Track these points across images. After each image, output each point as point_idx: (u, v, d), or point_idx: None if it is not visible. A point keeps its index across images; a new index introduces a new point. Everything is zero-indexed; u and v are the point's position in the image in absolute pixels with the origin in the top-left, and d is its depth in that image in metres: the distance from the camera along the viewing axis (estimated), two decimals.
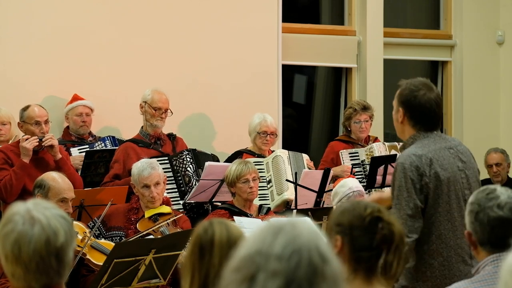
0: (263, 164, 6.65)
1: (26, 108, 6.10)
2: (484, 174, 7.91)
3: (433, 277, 3.98)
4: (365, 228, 2.82)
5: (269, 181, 6.61)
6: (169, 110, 6.58)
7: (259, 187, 6.54)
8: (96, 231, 5.46)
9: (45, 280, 2.28)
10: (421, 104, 4.04)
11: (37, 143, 5.94)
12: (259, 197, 6.54)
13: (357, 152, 7.01)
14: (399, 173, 3.95)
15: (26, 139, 5.94)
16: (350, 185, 5.34)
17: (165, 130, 6.69)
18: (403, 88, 4.14)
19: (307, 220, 1.82)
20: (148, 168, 5.58)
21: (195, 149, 6.59)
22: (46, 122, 6.09)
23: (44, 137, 5.96)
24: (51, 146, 5.97)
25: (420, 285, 4.00)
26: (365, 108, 7.12)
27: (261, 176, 6.53)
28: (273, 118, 7.39)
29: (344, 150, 7.01)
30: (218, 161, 6.82)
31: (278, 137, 6.95)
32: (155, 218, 5.53)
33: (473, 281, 3.12)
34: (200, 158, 6.53)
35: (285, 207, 6.49)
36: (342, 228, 2.87)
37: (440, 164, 3.97)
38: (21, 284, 2.28)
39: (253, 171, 5.84)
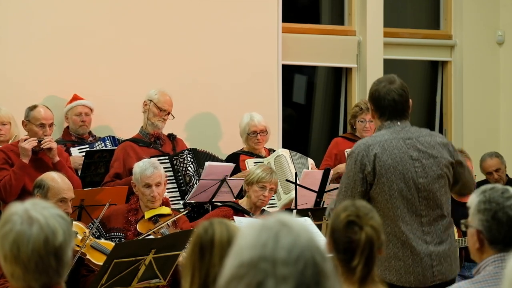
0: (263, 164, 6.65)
1: (33, 108, 6.08)
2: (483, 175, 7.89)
3: (388, 259, 4.12)
4: (341, 231, 2.95)
5: None
6: (171, 114, 6.58)
7: None
8: (96, 232, 5.46)
9: (44, 280, 2.28)
10: (381, 95, 4.25)
11: (36, 144, 5.94)
12: None
13: None
14: (348, 160, 4.21)
15: (25, 140, 5.94)
16: None
17: (165, 130, 6.69)
18: (371, 86, 4.39)
19: (297, 218, 1.81)
20: (151, 168, 5.59)
21: (195, 149, 6.59)
22: (51, 125, 6.09)
23: (43, 139, 5.96)
24: (49, 149, 5.96)
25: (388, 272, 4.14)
26: None
27: None
28: (273, 118, 7.40)
29: (349, 149, 6.98)
30: (219, 161, 6.82)
31: (269, 133, 6.92)
32: (155, 219, 5.53)
33: (474, 282, 3.12)
34: (200, 157, 6.53)
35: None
36: (328, 230, 3.07)
37: (388, 154, 4.13)
38: (21, 284, 2.28)
39: (274, 182, 5.92)
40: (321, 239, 4.03)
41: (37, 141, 5.94)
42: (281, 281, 1.67)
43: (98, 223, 5.47)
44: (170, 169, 6.37)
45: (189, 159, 6.46)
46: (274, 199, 6.57)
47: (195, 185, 6.28)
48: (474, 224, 3.13)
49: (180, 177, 6.43)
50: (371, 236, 2.96)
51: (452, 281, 4.22)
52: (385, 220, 4.06)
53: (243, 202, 5.92)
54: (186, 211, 5.82)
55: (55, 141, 6.23)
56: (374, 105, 4.28)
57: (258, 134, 6.79)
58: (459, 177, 4.33)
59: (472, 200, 3.17)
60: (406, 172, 4.14)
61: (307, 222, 4.89)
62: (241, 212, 5.72)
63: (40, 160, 6.01)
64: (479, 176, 7.48)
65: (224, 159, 6.88)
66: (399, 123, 4.23)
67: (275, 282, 1.67)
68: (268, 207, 6.43)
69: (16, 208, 2.30)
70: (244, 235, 1.74)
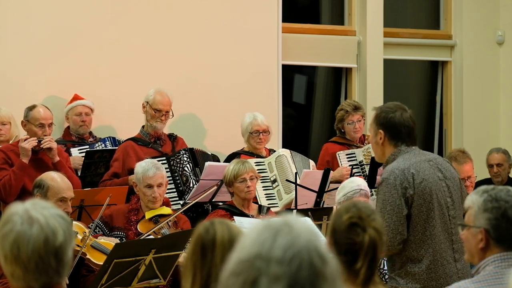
0: (264, 164, 6.65)
1: (32, 108, 6.08)
2: (485, 174, 7.91)
3: (421, 280, 4.23)
4: (343, 233, 2.94)
5: (274, 181, 6.60)
6: (170, 112, 6.58)
7: (264, 187, 6.54)
8: (98, 231, 5.47)
9: (44, 280, 2.28)
10: (400, 122, 4.33)
11: (36, 144, 5.94)
12: (265, 197, 6.54)
13: (354, 153, 6.95)
14: (384, 187, 4.23)
15: (25, 140, 5.93)
16: (359, 183, 5.34)
17: (165, 129, 6.69)
18: (378, 112, 4.42)
19: (303, 220, 1.81)
20: (153, 168, 5.60)
21: (192, 148, 6.59)
22: (50, 125, 6.09)
23: (43, 139, 5.96)
24: (49, 149, 5.96)
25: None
26: (357, 108, 7.07)
27: (264, 176, 6.54)
28: (273, 118, 7.40)
29: (341, 152, 6.94)
30: (218, 161, 6.82)
31: (271, 134, 6.92)
32: (156, 219, 5.54)
33: (474, 281, 3.11)
34: (197, 157, 6.53)
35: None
36: (329, 230, 3.04)
37: (422, 175, 4.24)
38: (21, 284, 2.28)
39: (250, 170, 5.83)
40: (324, 241, 4.04)
41: (37, 141, 5.94)
42: (274, 280, 1.68)
43: (100, 222, 5.48)
44: (168, 169, 6.37)
45: (185, 159, 6.46)
46: (275, 199, 6.57)
47: (192, 185, 6.29)
48: (479, 223, 3.12)
49: (177, 177, 6.43)
50: (374, 238, 2.95)
51: None
52: (420, 241, 4.21)
53: (234, 202, 5.89)
54: (187, 207, 5.81)
55: (55, 141, 6.23)
56: (390, 131, 4.33)
57: (261, 134, 6.79)
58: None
59: (474, 200, 3.15)
60: (438, 192, 4.27)
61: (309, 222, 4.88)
62: (238, 215, 5.70)
63: (40, 160, 6.01)
64: (480, 175, 7.49)
65: (224, 159, 6.88)
66: (413, 147, 4.36)
67: (268, 281, 1.68)
68: (266, 199, 6.42)
69: (17, 208, 2.30)
70: (248, 232, 1.77)
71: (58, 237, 2.27)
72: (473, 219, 3.14)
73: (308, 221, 4.69)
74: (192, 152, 6.54)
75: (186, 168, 6.44)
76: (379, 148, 4.39)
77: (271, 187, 6.60)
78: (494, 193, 3.13)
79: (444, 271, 4.23)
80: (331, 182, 6.42)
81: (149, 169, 5.60)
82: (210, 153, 6.82)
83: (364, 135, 7.23)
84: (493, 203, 3.11)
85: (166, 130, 6.73)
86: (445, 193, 4.30)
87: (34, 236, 2.25)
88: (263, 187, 6.55)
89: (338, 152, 6.93)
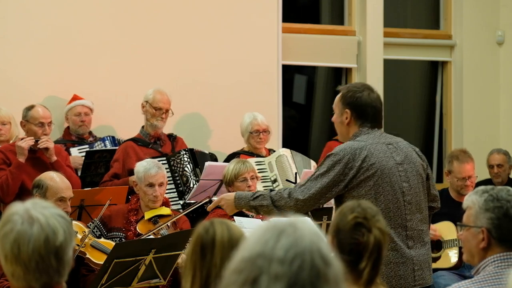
0: (264, 164, 6.65)
1: (30, 107, 6.09)
2: (485, 174, 7.91)
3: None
4: (347, 232, 2.93)
5: (275, 181, 6.60)
6: (170, 111, 6.58)
7: (265, 187, 6.54)
8: (96, 231, 5.47)
9: (45, 279, 2.28)
10: (367, 102, 4.25)
11: (33, 143, 5.94)
12: None
13: None
14: (330, 160, 4.14)
15: (22, 139, 5.94)
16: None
17: (165, 129, 6.69)
18: (345, 91, 4.33)
19: (308, 221, 1.82)
20: (155, 167, 5.61)
21: (192, 149, 6.59)
22: (50, 124, 6.10)
23: (40, 139, 5.96)
24: (46, 149, 5.97)
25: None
26: None
27: (264, 176, 6.54)
28: (273, 118, 7.39)
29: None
30: (216, 159, 6.83)
31: (271, 133, 6.93)
32: (155, 219, 5.54)
33: (474, 282, 3.11)
34: (197, 157, 6.53)
35: None
36: (332, 229, 3.03)
37: (376, 158, 4.13)
38: (21, 283, 2.28)
39: (251, 169, 5.84)
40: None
41: (34, 140, 5.95)
42: (274, 279, 1.69)
43: (99, 222, 5.48)
44: (168, 169, 6.37)
45: (185, 159, 6.46)
46: None
47: (192, 186, 6.29)
48: (480, 223, 3.11)
49: (178, 178, 6.43)
50: (379, 239, 2.95)
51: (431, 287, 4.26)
52: None
53: None
54: (190, 209, 5.80)
55: (55, 141, 6.23)
56: (356, 111, 4.25)
57: (261, 133, 6.80)
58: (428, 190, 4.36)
59: (474, 200, 3.15)
60: (392, 176, 4.16)
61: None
62: (239, 215, 5.69)
63: (39, 159, 6.01)
64: (480, 175, 7.49)
65: (224, 159, 6.88)
66: (376, 129, 4.26)
67: (268, 279, 1.69)
68: None
69: (17, 208, 2.30)
70: (253, 232, 1.78)
71: (58, 236, 2.26)
72: (473, 219, 3.13)
73: (310, 222, 4.70)
74: (192, 152, 6.54)
75: (186, 169, 6.44)
76: (344, 127, 4.29)
77: (271, 187, 6.60)
78: (495, 193, 3.13)
79: (394, 255, 4.10)
80: None
81: (151, 168, 5.61)
82: (207, 152, 6.82)
83: None
84: (494, 203, 3.11)
85: (166, 130, 6.73)
86: (401, 177, 4.17)
87: (34, 235, 2.25)
88: (263, 187, 6.55)
89: None
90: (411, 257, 4.15)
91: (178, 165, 6.45)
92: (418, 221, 4.22)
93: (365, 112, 4.24)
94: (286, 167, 6.62)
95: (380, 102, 4.31)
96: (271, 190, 4.31)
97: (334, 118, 4.35)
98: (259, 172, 6.22)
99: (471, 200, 3.16)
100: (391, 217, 4.13)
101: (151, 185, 5.57)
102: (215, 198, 4.67)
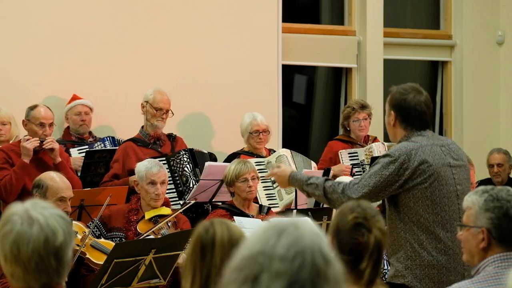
0: (264, 164, 6.65)
1: (33, 107, 6.09)
2: (485, 174, 7.91)
3: (422, 266, 4.11)
4: (347, 233, 2.93)
5: (274, 181, 6.60)
6: (170, 111, 6.58)
7: (265, 187, 6.54)
8: (96, 231, 5.47)
9: (44, 280, 2.28)
10: (411, 106, 4.25)
11: (38, 144, 5.94)
12: (266, 197, 6.54)
13: (356, 152, 7.00)
14: (386, 159, 4.14)
15: (27, 139, 5.94)
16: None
17: (165, 129, 6.69)
18: (393, 92, 4.38)
19: (309, 221, 1.83)
20: (157, 166, 5.63)
21: (192, 149, 6.59)
22: (51, 125, 6.09)
23: (45, 139, 5.96)
24: (51, 149, 5.97)
25: (410, 274, 4.12)
26: (363, 106, 7.14)
27: (264, 176, 6.54)
28: (273, 118, 7.39)
29: (343, 150, 7.00)
30: (215, 159, 6.82)
31: (271, 133, 6.93)
32: (155, 219, 5.54)
33: (474, 282, 3.11)
34: (197, 157, 6.53)
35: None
36: (332, 229, 3.03)
37: (431, 158, 4.13)
38: (21, 284, 2.28)
39: (252, 170, 5.84)
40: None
41: (39, 141, 5.95)
42: (275, 276, 1.69)
43: (99, 222, 5.48)
44: (168, 169, 6.37)
45: (185, 159, 6.46)
46: (276, 199, 6.57)
47: (192, 186, 6.29)
48: (480, 223, 3.11)
49: (177, 178, 6.43)
50: (380, 239, 2.95)
51: None
52: (419, 228, 4.09)
53: (235, 201, 5.89)
54: (186, 206, 5.81)
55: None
56: (401, 114, 4.26)
57: (261, 134, 6.80)
58: None
59: (474, 200, 3.15)
60: (448, 178, 4.17)
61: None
62: (238, 215, 5.70)
63: (41, 159, 6.01)
64: (480, 175, 7.50)
65: (224, 159, 6.88)
66: (426, 131, 4.27)
67: (269, 277, 1.69)
68: (267, 199, 6.42)
69: (16, 208, 2.30)
70: (255, 231, 1.79)
71: (58, 237, 2.26)
72: (473, 219, 3.13)
73: (311, 222, 4.70)
74: (192, 152, 6.54)
75: (186, 169, 6.44)
76: (391, 128, 4.32)
77: (271, 187, 6.61)
78: (494, 193, 3.14)
79: (447, 260, 4.09)
80: (331, 176, 6.44)
81: (153, 166, 5.62)
82: (206, 152, 6.81)
83: (368, 136, 7.26)
84: (494, 203, 3.11)
85: (166, 130, 6.73)
86: (456, 180, 4.17)
87: (34, 236, 2.25)
88: (263, 187, 6.55)
89: (340, 151, 6.98)
90: (463, 262, 4.06)
91: (178, 165, 6.44)
92: None
93: (409, 115, 4.24)
94: None
95: (428, 104, 4.29)
96: (326, 180, 4.30)
97: (385, 117, 4.39)
98: (259, 172, 6.22)
99: (471, 200, 3.16)
100: (447, 219, 4.12)
101: (153, 183, 5.57)
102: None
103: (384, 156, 4.20)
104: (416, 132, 4.22)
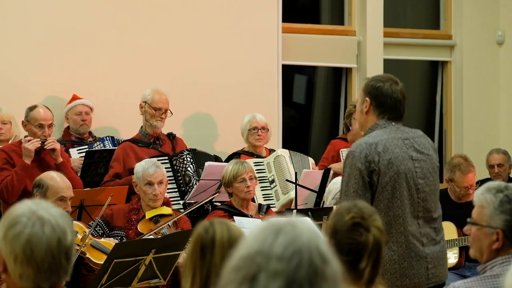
0: (263, 164, 6.65)
1: (32, 108, 6.08)
2: (485, 174, 7.91)
3: (390, 261, 4.09)
4: (345, 233, 2.93)
5: (272, 181, 6.60)
6: (169, 111, 6.58)
7: (262, 187, 6.54)
8: (99, 230, 5.48)
9: (54, 279, 2.29)
10: (388, 93, 4.20)
11: (39, 145, 5.94)
12: (263, 197, 6.54)
13: None
14: (349, 160, 4.11)
15: (29, 140, 5.93)
16: None
17: (165, 129, 6.69)
18: (369, 80, 4.31)
19: (307, 220, 1.83)
20: (153, 166, 5.63)
21: (195, 149, 6.59)
22: (50, 126, 6.08)
23: (46, 140, 5.96)
24: (53, 150, 5.97)
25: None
26: None
27: (263, 177, 6.54)
28: (273, 118, 7.40)
29: (345, 149, 7.00)
30: (220, 161, 6.81)
31: (270, 132, 6.93)
32: (156, 219, 5.54)
33: (478, 280, 3.11)
34: (200, 158, 6.53)
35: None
36: (329, 230, 3.03)
37: (391, 154, 4.09)
38: (30, 284, 2.28)
39: (249, 170, 5.84)
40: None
41: (40, 142, 5.94)
42: (272, 275, 1.70)
43: (101, 221, 5.49)
44: (170, 169, 6.37)
45: (188, 159, 6.46)
46: (273, 199, 6.57)
47: (194, 186, 6.28)
48: (495, 224, 3.08)
49: (180, 178, 6.43)
50: (379, 238, 2.95)
51: (444, 285, 4.23)
52: (385, 222, 3.99)
53: (233, 202, 5.89)
54: (193, 208, 5.81)
55: None
56: (376, 101, 4.21)
57: (259, 130, 6.81)
58: None
59: (488, 199, 3.10)
60: (408, 172, 4.12)
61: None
62: (237, 215, 5.70)
63: (43, 160, 6.01)
64: (480, 175, 7.49)
65: (224, 159, 6.88)
66: (393, 123, 4.21)
67: (267, 276, 1.70)
68: (264, 199, 6.42)
69: (22, 209, 2.30)
70: (252, 231, 1.79)
71: (68, 236, 2.28)
72: (487, 219, 3.10)
73: (309, 221, 4.70)
74: (195, 153, 6.54)
75: (189, 169, 6.44)
76: (363, 117, 4.26)
77: (269, 188, 6.60)
78: (510, 193, 3.10)
79: (408, 254, 4.08)
80: (333, 174, 6.45)
81: (149, 167, 5.62)
82: (213, 154, 6.81)
83: None
84: (510, 205, 3.09)
85: (166, 130, 6.73)
86: (417, 174, 4.14)
87: (48, 236, 2.25)
88: (261, 187, 6.54)
89: (341, 150, 6.99)
90: (425, 255, 4.13)
91: (181, 165, 6.44)
92: (432, 219, 4.20)
93: (385, 102, 4.19)
94: (284, 168, 6.62)
95: (403, 95, 4.24)
96: None
97: (356, 106, 4.35)
98: (257, 173, 6.22)
99: (485, 199, 3.12)
100: (407, 213, 4.10)
101: (150, 183, 5.58)
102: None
103: (347, 157, 4.14)
104: (387, 122, 4.17)
